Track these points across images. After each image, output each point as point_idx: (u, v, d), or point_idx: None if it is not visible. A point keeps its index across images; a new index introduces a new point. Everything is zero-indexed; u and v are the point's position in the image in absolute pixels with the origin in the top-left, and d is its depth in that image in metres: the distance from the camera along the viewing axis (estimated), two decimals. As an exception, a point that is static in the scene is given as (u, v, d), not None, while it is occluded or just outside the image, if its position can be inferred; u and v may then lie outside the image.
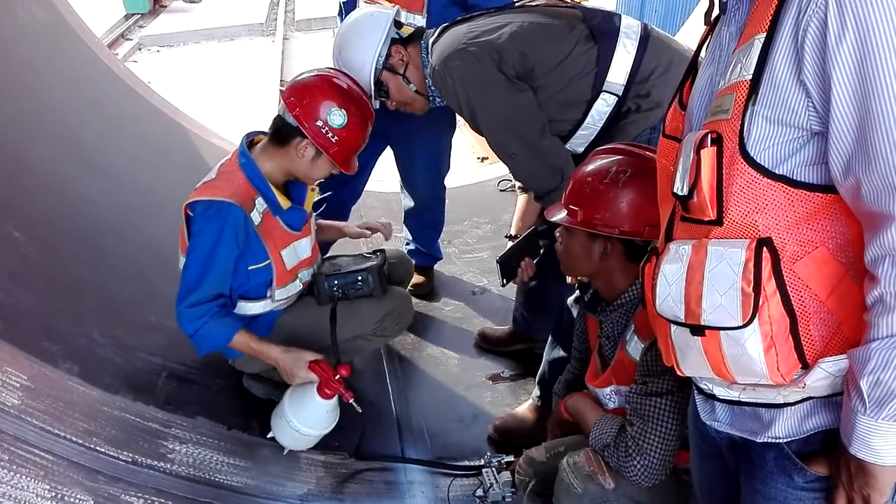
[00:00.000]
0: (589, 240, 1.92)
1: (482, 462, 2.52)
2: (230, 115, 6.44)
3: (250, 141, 2.56)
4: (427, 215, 3.82)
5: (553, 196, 2.38)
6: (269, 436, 2.57)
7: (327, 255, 3.03)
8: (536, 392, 2.85)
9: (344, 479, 2.60)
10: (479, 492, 2.47)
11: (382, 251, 2.84)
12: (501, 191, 4.89)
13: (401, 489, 2.62)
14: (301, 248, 2.63)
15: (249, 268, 2.50)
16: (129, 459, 2.31)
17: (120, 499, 2.17)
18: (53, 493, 2.07)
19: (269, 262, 2.51)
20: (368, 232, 3.04)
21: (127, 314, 3.00)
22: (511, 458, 2.47)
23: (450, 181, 5.47)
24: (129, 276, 3.25)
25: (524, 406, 2.89)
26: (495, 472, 2.44)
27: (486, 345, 3.40)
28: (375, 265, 2.67)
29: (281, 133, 2.44)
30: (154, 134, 4.82)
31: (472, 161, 6.64)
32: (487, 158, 6.60)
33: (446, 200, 3.90)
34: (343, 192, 3.34)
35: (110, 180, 3.82)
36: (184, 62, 9.91)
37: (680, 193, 1.26)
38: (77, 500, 2.09)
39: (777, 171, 1.14)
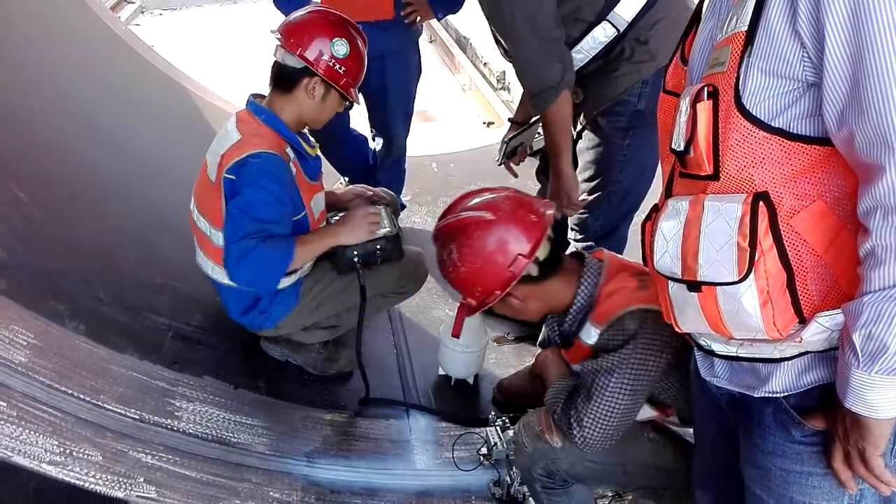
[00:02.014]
0: (504, 301, 1.93)
1: (488, 419, 2.54)
2: (233, 78, 6.37)
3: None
4: (397, 165, 3.96)
5: (547, 96, 2.36)
6: (441, 372, 2.95)
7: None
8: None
9: (349, 438, 2.61)
10: (483, 449, 2.49)
11: (387, 204, 2.81)
12: (498, 164, 4.85)
13: (405, 447, 2.64)
14: (320, 200, 2.64)
15: (294, 219, 2.48)
16: (137, 417, 2.33)
17: (128, 455, 2.19)
18: (62, 449, 2.09)
19: (304, 212, 2.51)
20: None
21: (132, 275, 3.01)
22: (514, 416, 2.49)
23: (456, 145, 5.46)
24: (134, 239, 3.24)
25: (527, 367, 2.90)
26: (499, 430, 2.46)
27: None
28: (394, 233, 2.64)
29: (284, 79, 2.43)
30: (156, 97, 4.79)
31: (478, 126, 6.60)
32: (493, 123, 6.57)
33: (451, 164, 3.91)
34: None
35: (113, 144, 3.81)
36: (186, 25, 9.80)
37: (677, 149, 1.25)
38: (85, 456, 2.11)
39: (773, 124, 1.13)
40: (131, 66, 4.89)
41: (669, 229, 1.27)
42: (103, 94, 4.18)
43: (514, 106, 4.15)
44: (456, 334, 2.79)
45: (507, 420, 2.50)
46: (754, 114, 1.13)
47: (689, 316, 1.29)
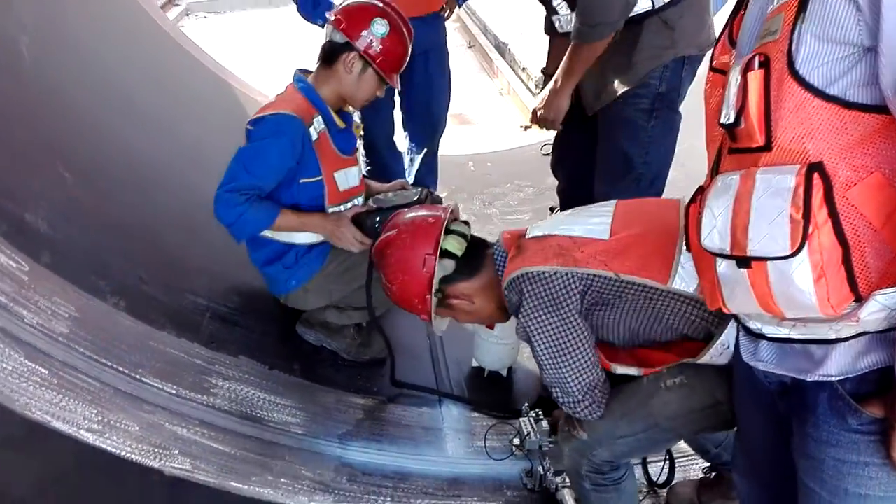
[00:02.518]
0: (451, 307, 2.03)
1: (521, 410, 2.51)
2: (275, 79, 6.46)
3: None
4: (432, 161, 4.03)
5: (602, 30, 2.40)
6: (474, 364, 2.97)
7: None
8: None
9: (382, 423, 2.61)
10: (516, 440, 2.47)
11: (427, 187, 2.85)
12: (544, 155, 4.84)
13: (438, 435, 2.62)
14: (351, 175, 2.76)
15: (301, 180, 2.62)
16: (174, 391, 2.36)
17: (164, 427, 2.21)
18: (100, 418, 2.11)
19: (320, 178, 2.64)
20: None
21: (173, 257, 3.05)
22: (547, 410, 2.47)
23: (493, 145, 5.47)
24: (175, 223, 3.29)
25: None
26: (532, 421, 2.43)
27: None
28: (417, 199, 2.68)
29: (329, 54, 2.61)
30: (201, 90, 4.87)
31: (515, 129, 6.60)
32: (531, 127, 6.55)
33: (488, 164, 3.93)
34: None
35: (158, 133, 3.87)
36: (230, 28, 9.98)
37: (726, 122, 1.21)
38: (123, 426, 2.13)
39: (829, 92, 1.08)
40: (178, 62, 4.98)
41: (719, 206, 1.22)
42: (148, 85, 4.25)
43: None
44: (490, 326, 2.81)
45: (540, 412, 2.47)
46: (809, 81, 1.09)
47: (738, 295, 1.24)
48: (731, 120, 1.19)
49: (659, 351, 1.81)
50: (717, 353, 1.68)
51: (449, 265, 1.99)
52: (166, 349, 2.51)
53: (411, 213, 2.14)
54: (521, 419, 2.48)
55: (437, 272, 1.96)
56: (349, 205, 2.76)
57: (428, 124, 3.88)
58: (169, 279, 2.87)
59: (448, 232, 2.02)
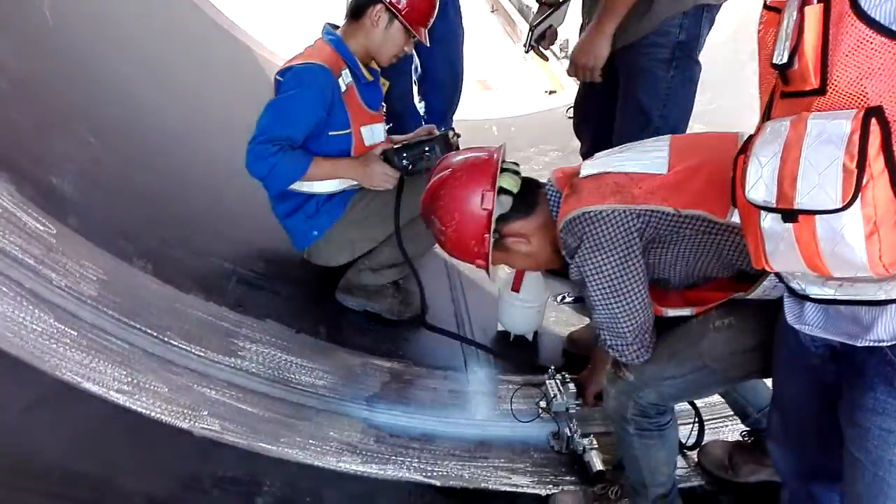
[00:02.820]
0: (507, 249, 1.93)
1: (547, 371, 2.50)
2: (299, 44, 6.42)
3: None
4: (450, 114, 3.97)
5: None
6: (500, 328, 2.93)
7: None
8: None
9: (408, 386, 2.60)
10: (542, 403, 2.45)
11: (452, 128, 2.82)
12: (569, 118, 4.77)
13: (464, 397, 2.61)
14: (377, 132, 2.76)
15: (330, 133, 2.62)
16: (202, 354, 2.37)
17: (193, 389, 2.23)
18: (130, 379, 2.13)
19: (349, 131, 2.65)
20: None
21: (198, 222, 3.05)
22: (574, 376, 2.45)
23: (518, 109, 5.40)
24: (200, 188, 3.29)
25: None
26: (559, 383, 2.41)
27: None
28: (442, 135, 2.68)
29: (356, 8, 2.61)
30: (223, 56, 4.85)
31: (539, 94, 6.51)
32: (555, 92, 6.47)
33: (512, 128, 3.87)
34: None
35: (183, 98, 3.88)
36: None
37: (779, 62, 1.12)
38: (152, 387, 2.15)
39: (895, 29, 1.00)
40: (201, 27, 4.93)
41: (766, 154, 1.14)
42: (174, 53, 4.25)
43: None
44: (516, 289, 2.79)
45: (566, 374, 2.45)
46: (873, 16, 1.01)
47: (781, 252, 1.16)
48: (785, 60, 1.11)
49: (711, 290, 1.75)
50: (770, 285, 1.61)
51: (506, 202, 1.88)
52: (193, 312, 2.52)
53: (461, 154, 2.04)
54: (546, 381, 2.46)
55: (495, 209, 1.87)
56: None
57: (452, 67, 3.80)
58: (195, 243, 2.88)
59: (501, 170, 1.92)
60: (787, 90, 1.15)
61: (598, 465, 2.21)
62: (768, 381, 1.89)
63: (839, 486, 1.47)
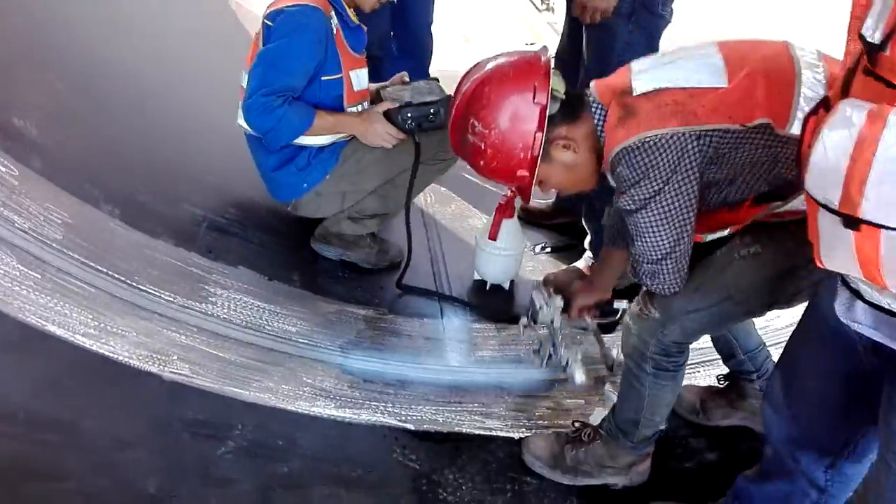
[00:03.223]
0: (553, 157, 1.75)
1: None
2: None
3: None
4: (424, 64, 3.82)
5: None
6: (476, 277, 2.91)
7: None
8: (589, 254, 2.79)
9: (383, 333, 2.58)
10: (524, 320, 2.38)
11: (436, 79, 2.75)
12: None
13: (439, 345, 2.60)
14: (363, 76, 2.68)
15: (322, 78, 2.53)
16: (171, 299, 2.32)
17: (162, 333, 2.19)
18: (96, 323, 2.09)
19: (340, 75, 2.56)
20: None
21: (167, 167, 2.97)
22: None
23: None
24: (170, 134, 3.20)
25: (578, 263, 2.83)
26: (545, 294, 2.30)
27: (529, 217, 3.31)
28: (445, 97, 2.56)
29: None
30: (200, 10, 4.71)
31: (520, 46, 6.42)
32: (535, 44, 6.39)
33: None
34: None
35: (151, 44, 3.75)
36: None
37: (869, 39, 0.98)
38: (119, 331, 2.11)
39: None
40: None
41: (835, 143, 0.98)
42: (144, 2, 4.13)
43: (559, 27, 3.97)
44: (493, 236, 2.75)
45: (552, 289, 2.34)
46: None
47: (838, 254, 1.05)
48: (876, 41, 0.97)
49: (748, 208, 1.66)
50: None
51: (554, 104, 1.69)
52: (162, 257, 2.46)
53: (499, 57, 1.77)
54: (533, 292, 2.37)
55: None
56: (358, 108, 2.68)
57: (425, 24, 3.71)
58: (164, 189, 2.81)
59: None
60: (871, 70, 1.00)
61: (581, 377, 2.15)
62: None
63: (828, 461, 1.50)
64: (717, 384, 2.31)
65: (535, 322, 2.33)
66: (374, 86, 2.80)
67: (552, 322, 2.27)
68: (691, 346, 1.89)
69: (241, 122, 2.62)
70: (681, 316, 1.76)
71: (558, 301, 2.26)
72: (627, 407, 1.97)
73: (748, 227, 1.69)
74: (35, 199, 2.30)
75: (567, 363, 2.19)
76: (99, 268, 2.25)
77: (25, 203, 2.27)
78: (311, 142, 2.62)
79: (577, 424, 2.17)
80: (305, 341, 2.42)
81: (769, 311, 1.83)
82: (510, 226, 2.76)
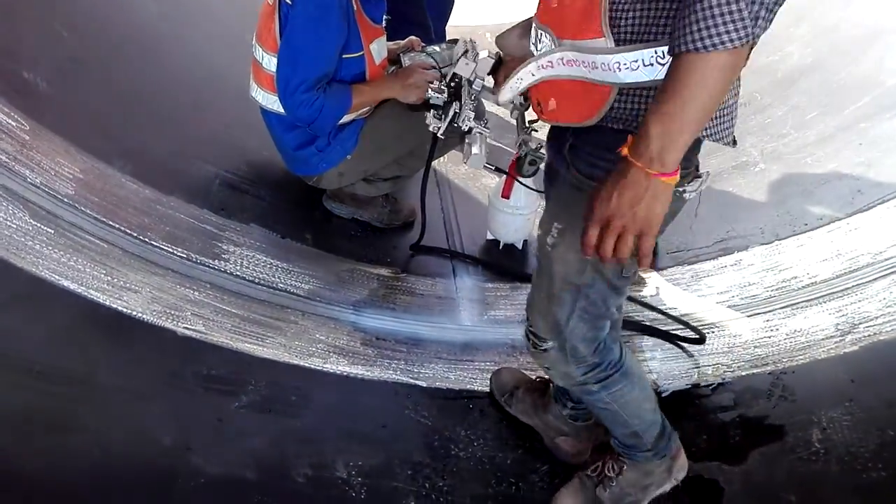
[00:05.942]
0: None
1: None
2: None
3: None
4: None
5: None
6: (489, 237, 2.89)
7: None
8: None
9: (396, 292, 2.57)
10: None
11: (455, 40, 2.63)
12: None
13: (451, 304, 2.59)
14: (382, 46, 2.56)
15: (344, 56, 2.41)
16: (184, 255, 2.32)
17: (175, 289, 2.19)
18: (109, 278, 2.09)
19: (361, 53, 2.44)
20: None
21: (180, 123, 2.94)
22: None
23: (511, 15, 5.20)
24: (182, 89, 3.16)
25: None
26: (473, 50, 1.96)
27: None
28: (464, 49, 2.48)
29: None
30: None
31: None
32: None
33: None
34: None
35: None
36: None
37: None
38: (132, 285, 2.11)
39: None
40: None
41: None
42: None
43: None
44: (506, 195, 2.71)
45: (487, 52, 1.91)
46: None
47: None
48: None
49: None
50: None
51: None
52: (175, 214, 2.45)
53: None
54: (460, 53, 2.00)
55: None
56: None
57: None
58: (176, 145, 2.79)
59: None
60: None
61: (478, 148, 1.92)
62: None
63: None
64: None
65: (451, 81, 1.99)
66: (390, 44, 2.74)
67: (470, 82, 1.93)
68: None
69: (255, 94, 2.56)
70: (564, 330, 1.60)
71: (488, 62, 1.87)
72: (614, 426, 1.82)
73: (544, 214, 1.55)
74: (46, 153, 2.29)
75: (469, 130, 1.97)
76: (111, 223, 2.25)
77: (37, 158, 2.25)
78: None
79: (593, 466, 1.95)
80: (318, 299, 2.42)
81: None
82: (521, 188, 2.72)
